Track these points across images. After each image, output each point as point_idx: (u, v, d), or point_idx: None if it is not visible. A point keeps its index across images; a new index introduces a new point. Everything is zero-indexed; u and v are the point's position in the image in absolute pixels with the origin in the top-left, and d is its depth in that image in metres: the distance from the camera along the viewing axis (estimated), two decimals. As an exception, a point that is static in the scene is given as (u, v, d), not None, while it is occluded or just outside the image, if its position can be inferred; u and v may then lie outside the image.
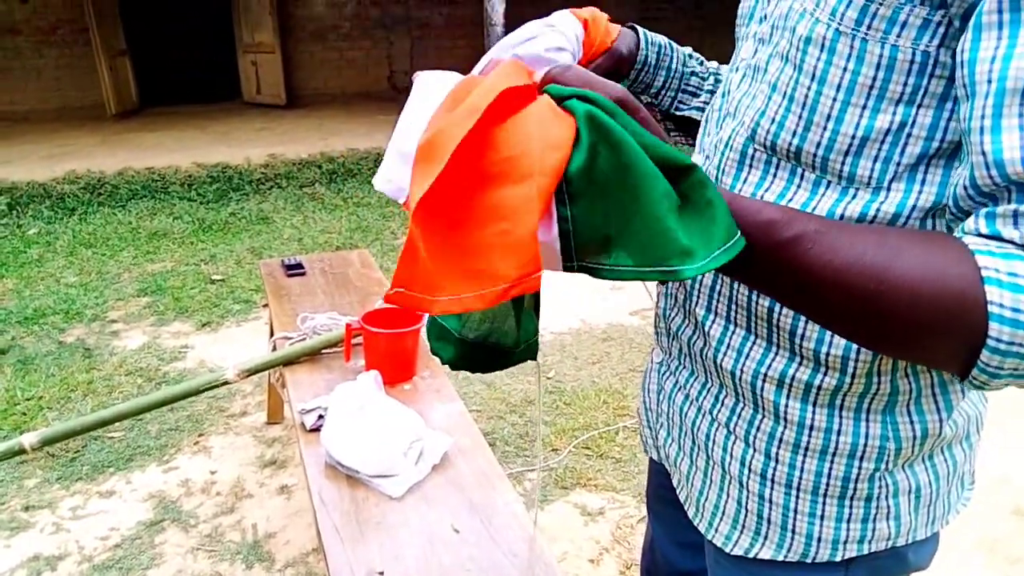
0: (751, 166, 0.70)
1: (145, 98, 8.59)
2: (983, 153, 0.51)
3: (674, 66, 0.94)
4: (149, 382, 3.05)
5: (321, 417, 1.60)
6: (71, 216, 5.10)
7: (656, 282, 0.90)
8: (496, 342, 0.78)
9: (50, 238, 4.70)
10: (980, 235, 0.51)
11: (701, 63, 0.97)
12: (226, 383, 1.91)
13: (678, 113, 0.97)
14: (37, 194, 5.40)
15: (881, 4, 0.57)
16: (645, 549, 1.14)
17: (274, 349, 2.01)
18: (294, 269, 2.49)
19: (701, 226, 0.51)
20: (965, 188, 0.54)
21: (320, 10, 9.07)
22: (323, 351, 1.92)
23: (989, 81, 0.51)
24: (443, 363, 0.82)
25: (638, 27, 0.91)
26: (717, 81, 0.96)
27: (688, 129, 1.01)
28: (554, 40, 0.77)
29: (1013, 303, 0.47)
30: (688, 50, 0.96)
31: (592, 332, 3.53)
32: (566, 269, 0.53)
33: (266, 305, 2.84)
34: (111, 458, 2.56)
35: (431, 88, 0.59)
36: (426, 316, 0.84)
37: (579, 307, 3.73)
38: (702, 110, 0.96)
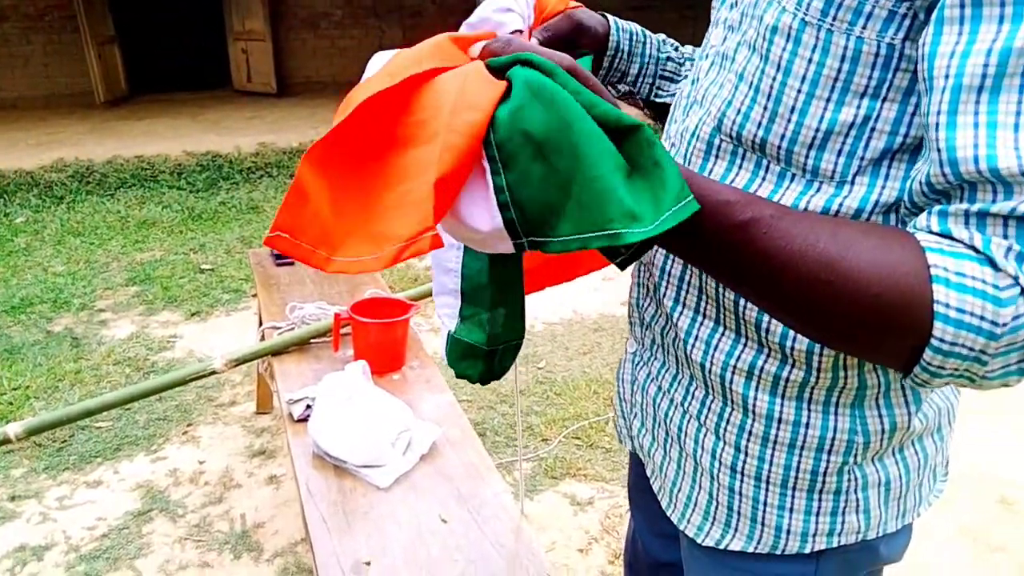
0: (717, 156, 0.70)
1: (134, 86, 8.52)
2: (938, 150, 0.51)
3: (649, 51, 0.92)
4: (137, 371, 3.03)
5: (309, 407, 1.59)
6: (59, 205, 5.06)
7: (631, 267, 0.88)
8: (515, 339, 0.77)
9: (38, 227, 4.66)
10: (932, 232, 0.51)
11: (676, 48, 0.95)
12: (214, 373, 1.90)
13: (658, 100, 0.95)
14: (25, 182, 5.36)
15: None
16: (628, 541, 1.14)
17: (263, 339, 2.00)
18: (283, 258, 2.47)
19: (649, 188, 0.49)
20: (921, 184, 0.54)
21: (311, -3, 9.01)
22: (312, 341, 1.91)
23: (947, 76, 0.50)
24: (473, 382, 0.80)
25: (608, 15, 0.89)
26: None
27: (666, 116, 1.00)
28: (502, 1, 0.76)
29: (959, 303, 0.47)
30: (662, 36, 0.95)
31: (583, 322, 3.53)
32: (517, 248, 0.52)
33: (255, 294, 2.83)
34: (99, 448, 2.54)
35: (377, 65, 0.59)
36: (445, 339, 0.82)
37: (570, 297, 3.73)
38: None
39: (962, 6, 0.50)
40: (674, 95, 0.94)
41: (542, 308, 3.58)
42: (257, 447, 2.57)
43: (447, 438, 1.53)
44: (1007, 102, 0.47)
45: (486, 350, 0.76)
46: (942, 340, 0.48)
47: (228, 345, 3.13)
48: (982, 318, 0.47)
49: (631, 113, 0.53)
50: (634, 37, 0.91)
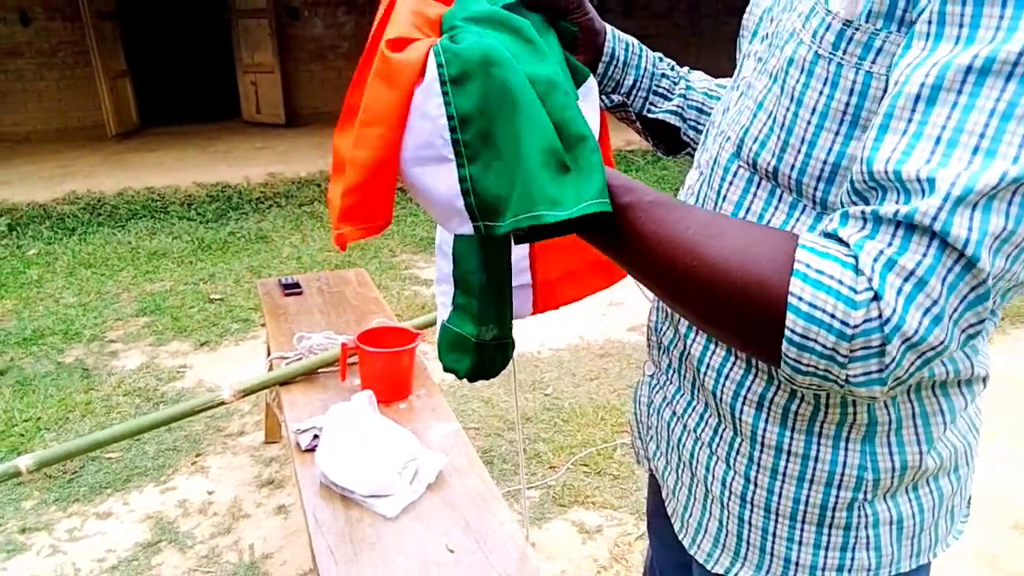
0: (732, 183, 0.71)
1: (145, 118, 8.64)
2: (864, 147, 0.53)
3: (644, 65, 0.93)
4: (147, 402, 3.05)
5: (316, 437, 1.60)
6: (71, 236, 5.12)
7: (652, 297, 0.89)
8: (504, 337, 0.77)
9: (50, 259, 4.71)
10: (825, 233, 0.53)
11: (672, 68, 0.96)
12: (222, 404, 1.92)
13: (650, 116, 0.96)
14: (37, 215, 5.43)
15: (857, 29, 0.57)
16: (646, 570, 1.13)
17: (270, 369, 2.01)
18: (291, 288, 2.50)
19: (575, 184, 0.56)
20: (849, 182, 0.55)
21: (319, 30, 9.14)
22: (319, 370, 1.93)
23: (896, 83, 0.52)
24: (460, 377, 0.79)
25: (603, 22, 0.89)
26: (688, 86, 0.96)
27: (662, 136, 0.99)
28: None
29: (812, 298, 0.50)
30: (659, 54, 0.96)
31: (590, 348, 3.53)
32: (475, 230, 0.61)
33: (264, 324, 2.85)
34: (109, 479, 2.55)
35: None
36: (438, 329, 0.84)
37: (577, 323, 3.73)
38: (676, 114, 0.95)
39: (929, 23, 0.52)
40: (669, 112, 0.95)
41: (548, 334, 3.59)
42: (266, 477, 2.58)
43: (454, 467, 1.54)
44: (938, 115, 0.49)
45: (475, 343, 0.77)
46: (793, 331, 0.51)
47: (237, 374, 3.14)
48: (833, 316, 0.49)
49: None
50: (630, 48, 0.92)
